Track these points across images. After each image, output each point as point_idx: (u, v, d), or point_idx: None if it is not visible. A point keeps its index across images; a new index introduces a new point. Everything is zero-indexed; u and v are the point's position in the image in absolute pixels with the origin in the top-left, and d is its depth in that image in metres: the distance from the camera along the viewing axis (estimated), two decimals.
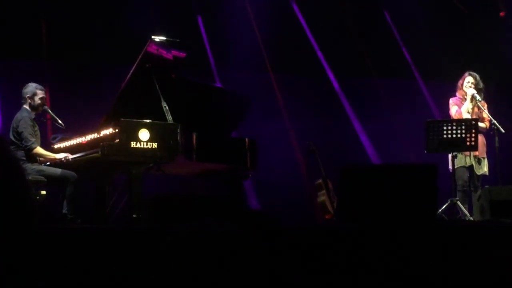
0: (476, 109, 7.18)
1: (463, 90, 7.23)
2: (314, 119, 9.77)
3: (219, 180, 6.96)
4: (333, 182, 7.83)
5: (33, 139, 6.12)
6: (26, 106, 6.29)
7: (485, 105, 7.18)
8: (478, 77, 7.20)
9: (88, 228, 5.02)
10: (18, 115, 6.22)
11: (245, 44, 9.54)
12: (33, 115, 6.27)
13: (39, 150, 6.17)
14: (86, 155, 5.94)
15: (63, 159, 6.10)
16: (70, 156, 6.08)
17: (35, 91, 6.31)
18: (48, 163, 6.22)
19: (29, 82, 6.42)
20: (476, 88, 7.15)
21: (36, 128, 6.29)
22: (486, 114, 7.11)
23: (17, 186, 1.13)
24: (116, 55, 8.55)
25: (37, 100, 6.30)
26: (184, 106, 6.24)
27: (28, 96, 6.29)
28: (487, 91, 7.36)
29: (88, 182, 6.47)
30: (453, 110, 7.23)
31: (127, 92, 6.13)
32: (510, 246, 4.09)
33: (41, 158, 6.22)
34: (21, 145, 6.08)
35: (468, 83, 7.18)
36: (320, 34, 10.30)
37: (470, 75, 7.22)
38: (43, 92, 6.38)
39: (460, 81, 7.27)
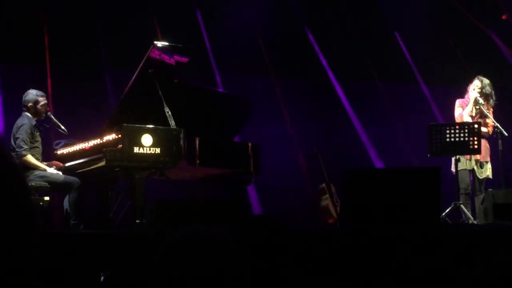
0: (479, 114, 7.17)
1: (469, 94, 7.25)
2: (317, 123, 9.76)
3: (222, 185, 6.95)
4: (336, 186, 7.82)
5: (25, 146, 6.07)
6: (27, 113, 6.27)
7: (491, 111, 7.16)
8: (486, 82, 7.18)
9: (90, 233, 5.02)
10: (19, 122, 6.21)
11: (248, 48, 9.55)
12: (34, 121, 6.25)
13: (29, 158, 6.08)
14: (89, 161, 5.94)
15: (53, 172, 6.10)
16: (60, 173, 6.09)
17: (36, 99, 6.29)
18: (52, 168, 6.22)
19: (32, 87, 6.41)
20: (481, 92, 7.14)
21: (37, 134, 6.27)
22: (490, 120, 7.09)
23: (18, 193, 1.13)
24: (119, 61, 8.56)
25: (39, 107, 6.28)
26: (187, 111, 6.24)
27: (30, 105, 6.27)
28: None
29: (91, 188, 6.47)
30: (457, 112, 7.26)
31: (129, 98, 6.14)
32: None
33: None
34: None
35: (474, 87, 7.19)
36: (323, 38, 10.31)
37: (477, 79, 7.23)
38: (44, 98, 6.37)
39: (469, 84, 7.28)
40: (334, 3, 10.29)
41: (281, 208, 8.39)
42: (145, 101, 6.10)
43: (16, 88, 6.88)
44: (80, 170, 6.08)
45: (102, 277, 3.61)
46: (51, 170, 6.13)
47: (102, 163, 5.66)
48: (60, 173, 6.15)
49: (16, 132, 6.13)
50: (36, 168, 6.09)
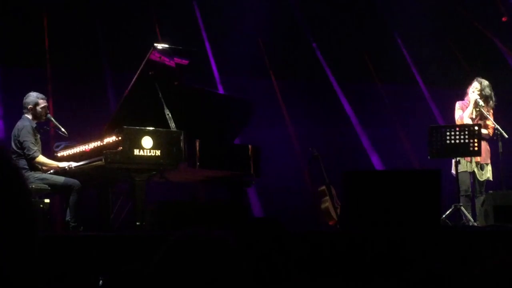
0: (479, 116, 7.17)
1: (469, 96, 7.25)
2: (317, 125, 9.77)
3: (222, 187, 6.95)
4: (337, 188, 7.81)
5: (35, 148, 6.11)
6: (28, 115, 6.28)
7: (491, 113, 7.16)
8: (485, 84, 7.17)
9: (91, 235, 5.02)
10: (19, 124, 6.21)
11: (248, 50, 9.56)
12: (34, 123, 6.26)
13: (42, 158, 6.16)
14: (89, 163, 5.94)
15: (66, 168, 6.09)
16: (74, 165, 6.07)
17: (36, 101, 6.29)
18: (52, 171, 6.22)
19: (32, 90, 6.41)
20: (480, 94, 7.13)
21: (38, 136, 6.28)
22: (490, 121, 7.09)
23: (19, 195, 1.13)
24: (119, 62, 8.57)
25: (39, 109, 6.29)
26: (187, 113, 6.24)
27: (30, 107, 6.28)
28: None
29: (91, 190, 6.47)
30: (457, 115, 7.25)
31: (130, 100, 6.14)
32: None
33: (44, 167, 6.21)
34: (22, 154, 6.08)
35: (473, 89, 7.19)
36: (323, 40, 10.31)
37: (476, 81, 7.22)
38: (44, 100, 6.37)
39: (469, 86, 7.27)
40: (334, 4, 10.30)
41: (282, 210, 8.40)
42: (146, 103, 6.10)
43: (17, 90, 6.88)
44: (79, 164, 6.07)
45: (101, 281, 3.61)
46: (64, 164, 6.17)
47: (101, 162, 5.66)
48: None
49: (19, 135, 6.13)
50: (50, 166, 6.15)
